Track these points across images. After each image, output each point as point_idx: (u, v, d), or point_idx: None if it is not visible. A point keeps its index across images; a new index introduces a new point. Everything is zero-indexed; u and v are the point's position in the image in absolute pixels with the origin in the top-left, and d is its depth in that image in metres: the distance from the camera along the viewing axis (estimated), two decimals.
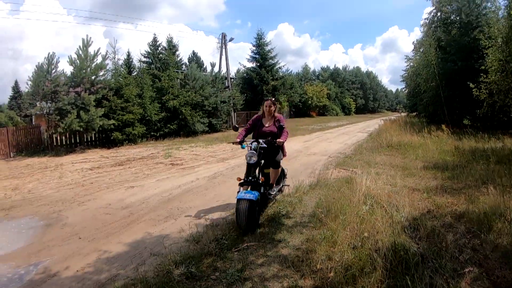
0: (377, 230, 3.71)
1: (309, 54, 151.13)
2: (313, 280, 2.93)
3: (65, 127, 16.04)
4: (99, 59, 18.37)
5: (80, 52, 17.77)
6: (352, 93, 67.62)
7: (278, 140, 4.97)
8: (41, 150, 17.13)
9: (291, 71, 51.20)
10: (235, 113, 30.19)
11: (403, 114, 39.59)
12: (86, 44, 17.82)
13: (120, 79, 19.64)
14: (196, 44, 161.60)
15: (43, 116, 19.41)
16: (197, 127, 22.78)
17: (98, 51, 18.27)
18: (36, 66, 17.47)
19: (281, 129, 5.14)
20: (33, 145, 17.64)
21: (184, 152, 13.97)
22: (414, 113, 27.11)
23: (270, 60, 35.81)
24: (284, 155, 5.63)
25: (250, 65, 36.63)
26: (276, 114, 5.42)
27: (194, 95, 23.15)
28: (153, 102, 20.87)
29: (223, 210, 5.69)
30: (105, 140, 18.44)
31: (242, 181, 4.75)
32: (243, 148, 5.11)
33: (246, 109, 32.83)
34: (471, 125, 15.44)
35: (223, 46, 30.08)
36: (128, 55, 25.80)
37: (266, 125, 5.34)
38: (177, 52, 28.33)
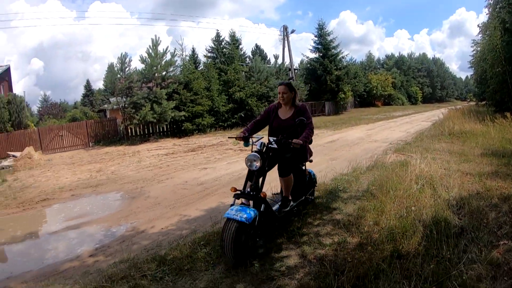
0: (423, 205, 4.00)
1: (374, 42, 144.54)
2: (360, 238, 3.45)
3: (140, 119, 17.81)
4: (168, 57, 20.02)
5: (150, 51, 19.47)
6: (418, 82, 63.39)
7: (294, 140, 3.59)
8: (117, 140, 19.06)
9: (355, 60, 49.53)
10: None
11: (471, 103, 36.79)
12: (155, 43, 19.49)
13: (189, 74, 21.01)
14: (258, 37, 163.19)
15: (118, 110, 21.55)
16: None
17: (166, 49, 20.01)
18: (108, 66, 19.48)
19: (302, 125, 3.81)
20: (110, 135, 19.72)
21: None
22: (483, 102, 25.37)
23: (333, 50, 34.98)
24: (309, 157, 4.33)
25: (313, 55, 36.03)
26: (298, 103, 4.14)
27: (259, 86, 24.21)
28: (221, 95, 22.09)
29: None
30: (176, 130, 20.02)
31: (237, 192, 3.57)
32: (246, 146, 3.94)
33: (311, 99, 33.26)
34: None
35: (285, 39, 30.75)
36: (193, 50, 27.35)
37: (282, 118, 4.10)
38: (240, 46, 29.31)
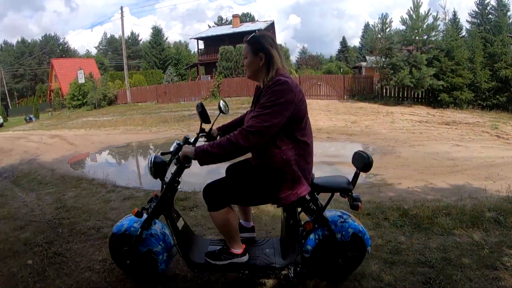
0: None
1: None
2: None
3: (397, 81, 18.39)
4: (429, 20, 19.31)
5: (412, 13, 19.27)
6: None
7: (183, 150, 2.13)
8: (372, 98, 20.39)
9: None
10: None
11: None
12: (416, 5, 19.14)
13: (451, 41, 19.53)
14: None
15: (374, 69, 22.65)
16: None
17: (428, 12, 19.33)
18: (365, 25, 20.61)
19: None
20: (365, 92, 21.33)
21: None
22: None
23: None
24: (280, 195, 2.21)
25: None
26: (274, 76, 2.14)
27: None
28: (484, 69, 19.52)
29: None
30: (431, 99, 19.26)
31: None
32: None
33: None
34: None
35: None
36: (454, 14, 24.58)
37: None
38: (508, 13, 24.13)
